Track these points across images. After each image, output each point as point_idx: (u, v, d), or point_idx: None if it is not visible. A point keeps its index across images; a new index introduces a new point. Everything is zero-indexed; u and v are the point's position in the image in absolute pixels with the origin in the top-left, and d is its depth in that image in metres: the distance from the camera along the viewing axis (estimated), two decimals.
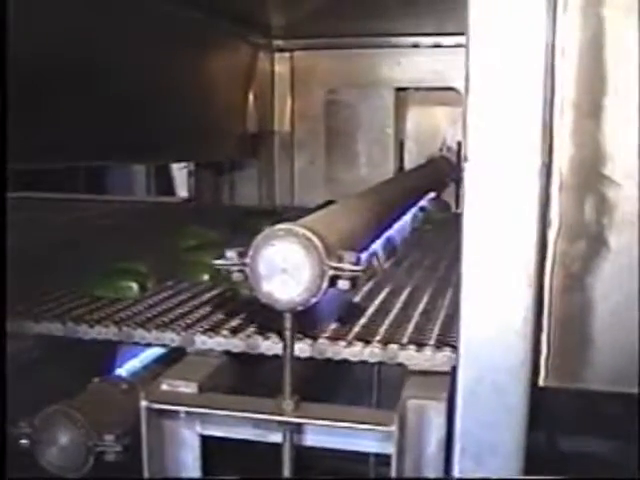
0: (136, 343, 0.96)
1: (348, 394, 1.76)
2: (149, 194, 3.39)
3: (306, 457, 0.84)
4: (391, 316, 1.00)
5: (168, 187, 3.18)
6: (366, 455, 1.80)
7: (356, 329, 0.94)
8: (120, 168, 3.30)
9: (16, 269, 1.20)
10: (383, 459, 0.78)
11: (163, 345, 0.96)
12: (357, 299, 1.09)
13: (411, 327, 0.95)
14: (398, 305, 1.06)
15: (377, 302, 1.08)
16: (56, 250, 1.43)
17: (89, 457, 0.85)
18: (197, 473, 0.87)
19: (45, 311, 1.01)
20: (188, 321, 0.98)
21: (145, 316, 1.00)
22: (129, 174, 3.46)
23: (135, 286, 1.10)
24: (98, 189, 3.29)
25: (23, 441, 0.87)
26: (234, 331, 0.93)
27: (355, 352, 0.88)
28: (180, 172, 2.68)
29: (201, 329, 0.94)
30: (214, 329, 0.94)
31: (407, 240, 1.54)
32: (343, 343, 0.89)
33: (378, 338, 0.91)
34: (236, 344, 0.91)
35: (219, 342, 0.92)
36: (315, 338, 0.90)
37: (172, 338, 0.94)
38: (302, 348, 0.88)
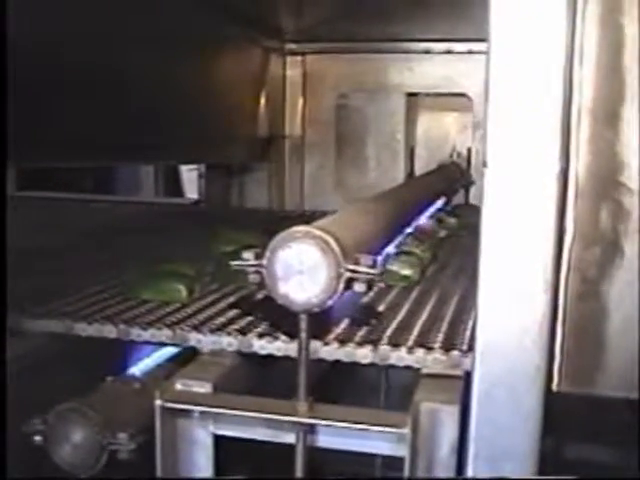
0: (190, 347, 0.95)
1: (355, 397, 1.76)
2: (157, 195, 3.40)
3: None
4: (445, 323, 1.00)
5: (176, 188, 3.19)
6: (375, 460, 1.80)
7: (413, 335, 0.94)
8: (128, 169, 3.31)
9: (55, 271, 1.22)
10: (392, 464, 0.78)
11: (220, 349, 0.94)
12: (408, 305, 1.09)
13: (468, 333, 0.94)
14: (450, 312, 1.05)
15: (428, 308, 1.08)
16: (93, 252, 1.44)
17: (102, 455, 0.86)
18: (209, 472, 0.87)
19: (94, 313, 1.01)
20: (242, 324, 0.97)
21: (197, 319, 1.00)
22: (137, 175, 3.47)
23: (184, 289, 1.08)
24: (106, 189, 3.31)
25: (37, 438, 0.88)
26: (290, 335, 0.92)
27: (418, 359, 0.88)
28: (189, 174, 2.69)
29: (256, 333, 0.93)
30: (271, 334, 0.93)
31: (446, 246, 1.54)
32: (404, 349, 0.89)
33: (438, 345, 0.90)
34: (296, 349, 0.89)
35: (278, 347, 0.91)
36: (375, 344, 0.90)
37: (229, 342, 0.93)
38: (364, 354, 0.89)
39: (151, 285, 1.10)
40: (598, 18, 0.74)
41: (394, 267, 1.20)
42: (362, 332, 0.95)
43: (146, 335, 0.95)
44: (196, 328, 0.95)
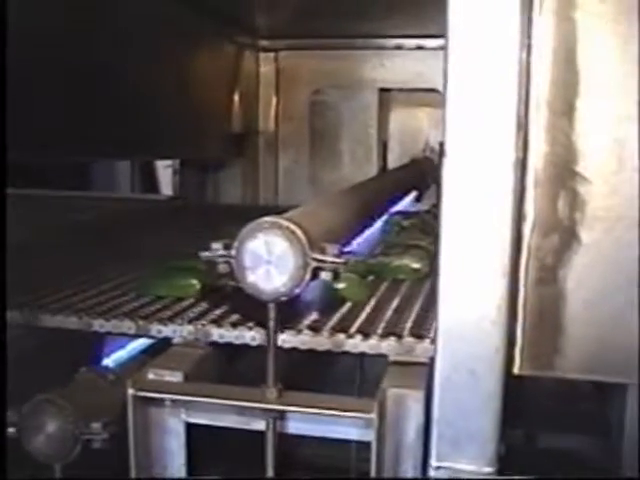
0: (213, 342, 0.94)
1: (329, 386, 1.77)
2: (133, 191, 3.39)
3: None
4: None
5: (151, 185, 3.18)
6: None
7: (433, 326, 0.94)
8: (104, 165, 3.30)
9: (54, 268, 1.21)
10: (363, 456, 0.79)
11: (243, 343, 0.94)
12: (422, 297, 1.10)
13: None
14: None
15: None
16: (88, 249, 1.41)
17: (76, 445, 0.87)
18: (182, 460, 0.88)
19: (110, 309, 1.00)
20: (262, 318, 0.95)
21: (215, 314, 0.99)
22: (112, 171, 3.45)
23: (197, 284, 1.08)
24: (81, 186, 3.28)
25: (10, 429, 0.88)
26: (314, 329, 0.92)
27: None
28: (165, 170, 2.69)
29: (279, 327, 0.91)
30: (293, 327, 0.92)
31: None
32: (428, 340, 0.89)
33: None
34: (322, 342, 0.90)
35: (303, 340, 0.91)
36: (400, 336, 0.91)
37: (253, 336, 0.92)
38: (391, 345, 0.90)
39: (164, 281, 1.09)
40: (554, 13, 0.76)
41: (405, 261, 1.22)
42: (383, 324, 0.95)
43: (167, 331, 0.95)
44: (217, 323, 0.95)
